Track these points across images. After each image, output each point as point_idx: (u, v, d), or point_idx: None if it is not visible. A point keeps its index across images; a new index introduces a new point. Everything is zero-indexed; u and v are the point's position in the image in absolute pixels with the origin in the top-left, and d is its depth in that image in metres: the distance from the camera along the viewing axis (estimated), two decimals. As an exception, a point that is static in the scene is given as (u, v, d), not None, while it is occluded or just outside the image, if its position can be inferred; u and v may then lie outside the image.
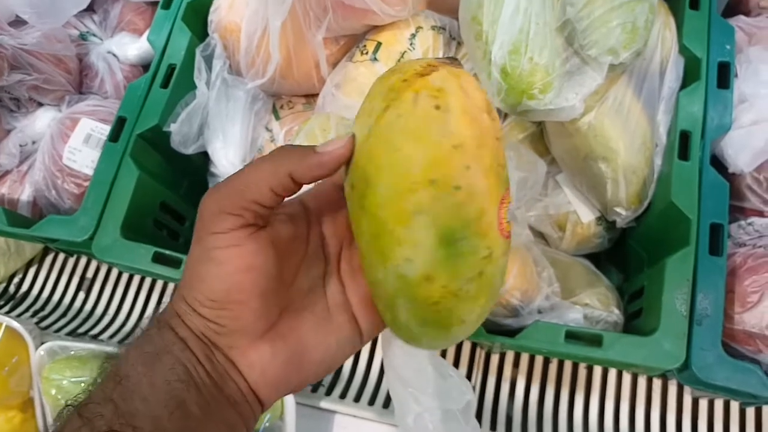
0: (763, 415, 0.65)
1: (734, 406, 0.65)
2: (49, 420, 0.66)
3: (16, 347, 0.67)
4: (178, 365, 0.29)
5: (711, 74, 0.57)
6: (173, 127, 0.62)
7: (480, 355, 0.70)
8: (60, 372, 0.63)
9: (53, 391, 0.63)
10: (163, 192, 0.66)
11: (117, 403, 0.28)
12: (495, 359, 0.69)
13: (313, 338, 0.32)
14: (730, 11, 0.68)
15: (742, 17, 0.67)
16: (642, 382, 0.67)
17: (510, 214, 0.30)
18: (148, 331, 0.31)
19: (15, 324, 0.67)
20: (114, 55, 0.75)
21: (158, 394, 0.29)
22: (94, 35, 0.77)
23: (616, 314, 0.58)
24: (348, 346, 0.34)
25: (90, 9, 0.78)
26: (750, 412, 0.65)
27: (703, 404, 0.66)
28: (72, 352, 0.65)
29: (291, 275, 0.33)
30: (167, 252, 0.57)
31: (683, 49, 0.58)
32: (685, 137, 0.56)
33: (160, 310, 0.32)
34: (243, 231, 0.29)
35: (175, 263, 0.57)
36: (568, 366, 0.69)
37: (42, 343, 0.66)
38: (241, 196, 0.29)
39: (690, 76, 0.58)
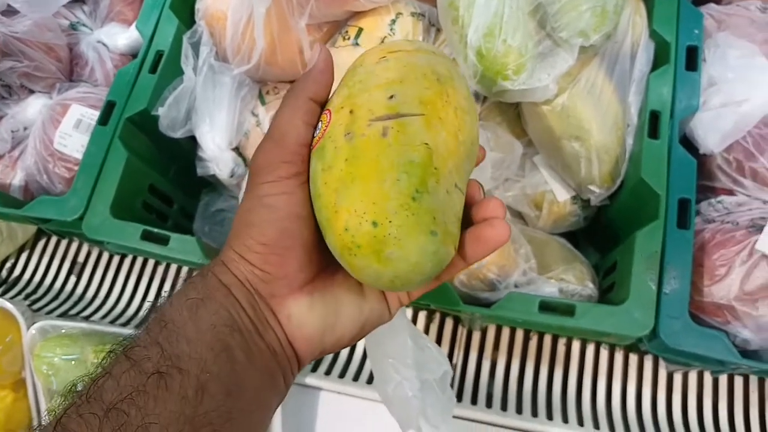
0: (735, 388, 0.67)
1: (707, 380, 0.68)
2: (41, 399, 0.68)
3: (8, 327, 0.68)
4: (222, 310, 0.31)
5: (680, 57, 0.60)
6: (161, 111, 0.64)
7: (462, 333, 0.72)
8: (51, 350, 0.65)
9: (44, 368, 0.65)
10: (152, 174, 0.68)
11: (163, 346, 0.29)
12: (476, 337, 0.71)
13: (347, 299, 0.34)
14: (701, -1, 0.70)
15: (712, 5, 0.69)
16: (619, 357, 0.70)
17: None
18: (192, 279, 0.33)
19: (8, 305, 0.68)
20: (104, 45, 0.77)
21: (203, 336, 0.30)
22: (84, 25, 0.78)
23: (590, 288, 0.60)
24: (376, 315, 0.35)
25: (80, 0, 0.79)
26: (722, 385, 0.67)
27: (678, 378, 0.68)
28: (63, 331, 0.66)
29: None
30: (155, 230, 0.59)
31: (653, 34, 0.61)
32: (654, 117, 0.58)
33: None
34: (294, 180, 0.32)
35: (163, 241, 0.58)
36: (547, 342, 0.71)
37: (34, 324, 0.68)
38: (285, 142, 0.32)
39: (660, 59, 0.61)
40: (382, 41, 0.61)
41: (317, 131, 0.33)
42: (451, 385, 0.51)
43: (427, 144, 0.30)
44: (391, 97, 0.31)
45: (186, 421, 0.27)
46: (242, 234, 0.32)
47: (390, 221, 0.29)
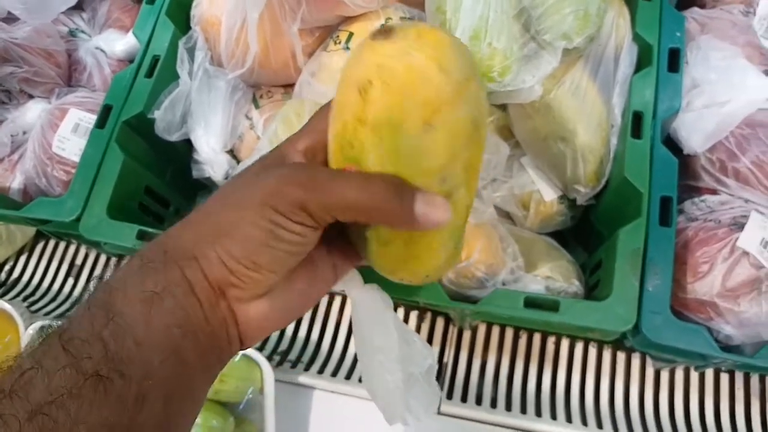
0: (721, 384, 0.68)
1: (694, 377, 0.69)
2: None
3: (7, 327, 0.70)
4: (179, 309, 0.29)
5: (662, 59, 0.61)
6: (157, 114, 0.65)
7: (453, 332, 0.73)
8: (49, 349, 0.66)
9: (42, 367, 0.66)
10: (148, 177, 0.69)
11: (107, 344, 0.26)
12: (467, 336, 0.73)
13: (305, 291, 0.35)
14: (685, 3, 0.72)
15: (696, 9, 0.71)
16: (607, 355, 0.71)
17: None
18: (151, 262, 0.30)
19: (6, 305, 0.70)
20: (102, 51, 0.78)
21: (154, 338, 0.28)
22: (83, 32, 0.80)
23: (576, 285, 0.61)
24: (323, 293, 0.37)
25: (79, 7, 0.81)
26: (708, 381, 0.68)
27: (665, 375, 0.69)
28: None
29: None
30: (151, 230, 0.60)
31: (636, 37, 0.62)
32: (637, 117, 0.59)
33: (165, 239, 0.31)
34: (312, 231, 0.31)
35: (159, 240, 0.60)
36: (536, 341, 0.72)
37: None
38: (327, 212, 0.30)
39: (643, 61, 0.62)
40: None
41: None
42: (438, 379, 0.52)
43: (468, 205, 0.35)
44: (444, 180, 0.32)
45: (121, 431, 0.26)
46: (233, 241, 0.30)
47: (438, 272, 0.39)
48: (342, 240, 0.36)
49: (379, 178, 0.30)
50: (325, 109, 0.34)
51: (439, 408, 0.67)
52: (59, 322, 0.28)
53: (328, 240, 0.34)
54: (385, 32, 0.29)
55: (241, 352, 0.65)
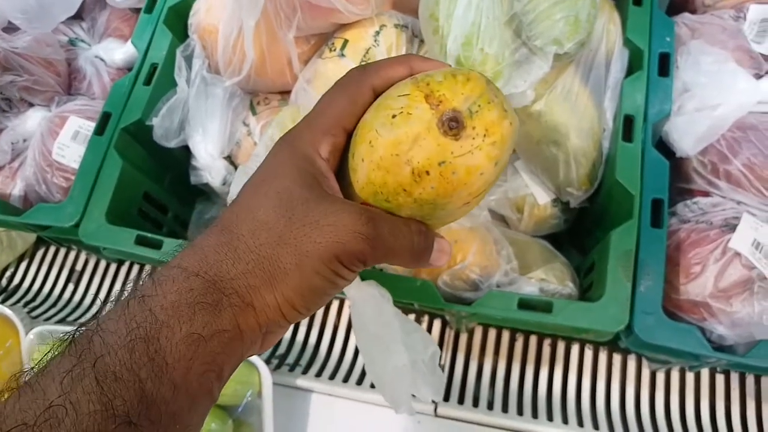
0: (716, 385, 0.68)
1: (690, 378, 0.69)
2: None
3: (8, 333, 0.70)
4: (222, 355, 0.28)
5: (652, 64, 0.62)
6: (155, 121, 0.66)
7: (449, 335, 0.73)
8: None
9: (42, 372, 0.66)
10: (147, 183, 0.70)
11: (144, 385, 0.25)
12: (464, 338, 0.73)
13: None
14: (676, 9, 0.73)
15: (687, 14, 0.72)
16: (603, 357, 0.71)
17: None
18: (203, 297, 0.27)
19: (7, 311, 0.70)
20: (101, 59, 0.79)
21: (191, 383, 0.26)
22: (83, 41, 0.81)
23: (570, 287, 0.62)
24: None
25: (78, 17, 0.82)
26: (704, 382, 0.69)
27: (660, 376, 0.69)
28: (61, 335, 0.68)
29: None
30: (149, 235, 0.61)
31: (627, 42, 0.63)
32: (628, 121, 0.60)
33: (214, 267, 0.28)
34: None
35: (157, 245, 0.61)
36: (533, 344, 0.72)
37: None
38: (382, 260, 0.31)
39: (634, 65, 0.63)
40: (367, 52, 0.64)
41: None
42: (441, 366, 0.52)
43: None
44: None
45: None
46: (296, 291, 0.29)
47: None
48: None
49: (420, 234, 0.32)
50: (338, 99, 0.32)
51: (436, 410, 0.68)
52: (84, 329, 0.26)
53: None
54: (454, 126, 0.28)
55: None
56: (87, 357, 0.24)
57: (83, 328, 0.27)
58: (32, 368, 0.25)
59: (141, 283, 0.28)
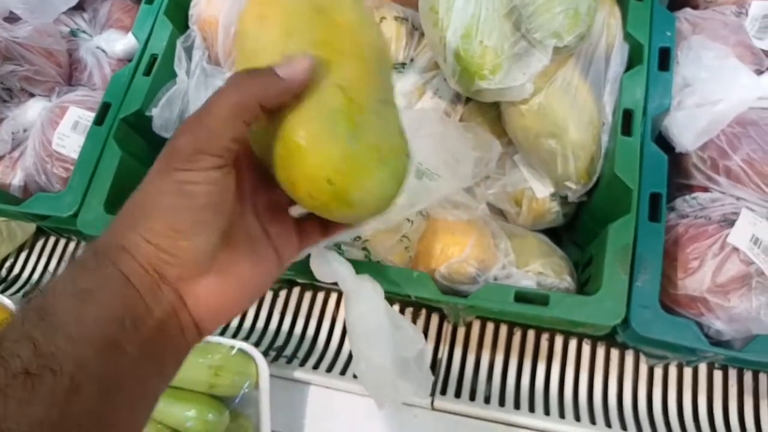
0: (714, 380, 0.68)
1: (687, 373, 0.69)
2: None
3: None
4: (115, 302, 0.29)
5: (652, 58, 0.62)
6: (154, 112, 0.66)
7: (447, 328, 0.73)
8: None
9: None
10: (146, 173, 0.70)
11: (37, 342, 0.26)
12: (461, 332, 0.73)
13: (249, 270, 0.34)
14: (677, 4, 0.72)
15: (688, 9, 0.71)
16: (600, 352, 0.71)
17: None
18: (84, 262, 0.30)
19: (6, 301, 0.71)
20: (102, 50, 0.79)
21: (87, 332, 0.27)
22: (84, 32, 0.81)
23: (568, 281, 0.62)
24: (273, 275, 0.37)
25: (80, 8, 0.83)
26: (702, 378, 0.69)
27: (658, 372, 0.69)
28: None
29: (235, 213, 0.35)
30: (147, 225, 0.61)
31: (627, 36, 0.63)
32: (628, 115, 0.60)
33: (95, 242, 0.31)
34: (219, 171, 0.30)
35: (155, 235, 0.60)
36: (530, 338, 0.72)
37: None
38: (219, 135, 0.30)
39: (634, 60, 0.63)
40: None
41: None
42: (432, 374, 0.52)
43: (338, 85, 0.33)
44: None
45: (51, 426, 0.26)
46: (151, 216, 0.30)
47: (341, 174, 0.32)
48: (278, 222, 0.37)
49: (231, 78, 0.32)
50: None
51: (432, 403, 0.68)
52: None
53: (259, 215, 0.36)
54: None
55: (237, 347, 0.67)
56: None
57: None
58: None
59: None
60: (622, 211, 0.57)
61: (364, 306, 0.48)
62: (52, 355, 0.26)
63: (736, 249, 0.56)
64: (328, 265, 0.48)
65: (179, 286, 0.31)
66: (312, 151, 0.32)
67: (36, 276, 0.84)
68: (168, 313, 0.31)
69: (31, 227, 0.84)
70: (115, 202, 0.64)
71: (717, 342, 0.57)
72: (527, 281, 0.60)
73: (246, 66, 0.33)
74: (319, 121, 0.32)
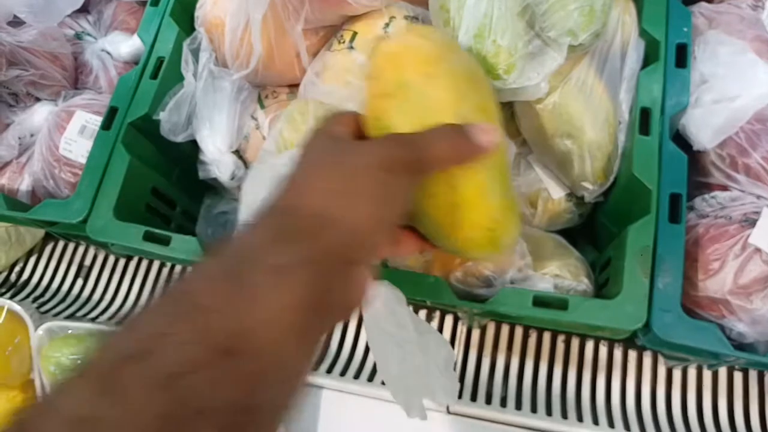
0: (734, 383, 0.67)
1: (707, 375, 0.68)
2: (49, 400, 0.69)
3: (17, 329, 0.70)
4: (311, 286, 0.30)
5: (669, 55, 0.61)
6: (162, 116, 0.65)
7: (461, 331, 0.73)
8: (58, 350, 0.66)
9: (52, 368, 0.66)
10: (155, 178, 0.69)
11: (240, 315, 0.26)
12: (476, 334, 0.72)
13: None
14: (693, -1, 0.71)
15: (704, 4, 0.70)
16: (618, 354, 0.70)
17: None
18: (286, 228, 0.30)
19: (16, 307, 0.70)
20: (108, 53, 0.79)
21: (284, 316, 0.28)
22: (89, 34, 0.80)
23: (585, 283, 0.60)
24: None
25: (84, 10, 0.82)
26: (722, 380, 0.67)
27: (677, 374, 0.68)
28: (70, 331, 0.68)
29: None
30: (157, 231, 0.60)
31: (643, 33, 0.62)
32: (645, 114, 0.59)
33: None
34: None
35: (165, 241, 0.60)
36: (546, 339, 0.71)
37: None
38: (425, 162, 0.35)
39: (650, 57, 0.61)
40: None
41: None
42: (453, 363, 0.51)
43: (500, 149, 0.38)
44: (464, 119, 0.38)
45: (241, 409, 0.26)
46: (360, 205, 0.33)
47: (498, 223, 0.40)
48: None
49: (446, 126, 0.36)
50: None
51: (448, 407, 0.67)
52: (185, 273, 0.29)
53: None
54: (380, 38, 0.39)
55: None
56: (187, 294, 0.27)
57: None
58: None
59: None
60: (641, 212, 0.56)
61: (386, 312, 0.47)
62: (250, 337, 0.26)
63: (758, 249, 0.55)
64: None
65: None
66: (479, 204, 0.39)
67: (45, 281, 0.83)
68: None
69: (40, 232, 0.84)
70: (124, 207, 0.63)
71: (739, 344, 0.56)
72: (544, 284, 0.59)
73: (408, 114, 0.37)
74: (486, 178, 0.38)
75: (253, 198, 0.55)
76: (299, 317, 0.27)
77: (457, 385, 0.49)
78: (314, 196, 0.32)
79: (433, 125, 0.36)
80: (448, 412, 0.67)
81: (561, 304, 0.53)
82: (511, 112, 0.66)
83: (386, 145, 0.35)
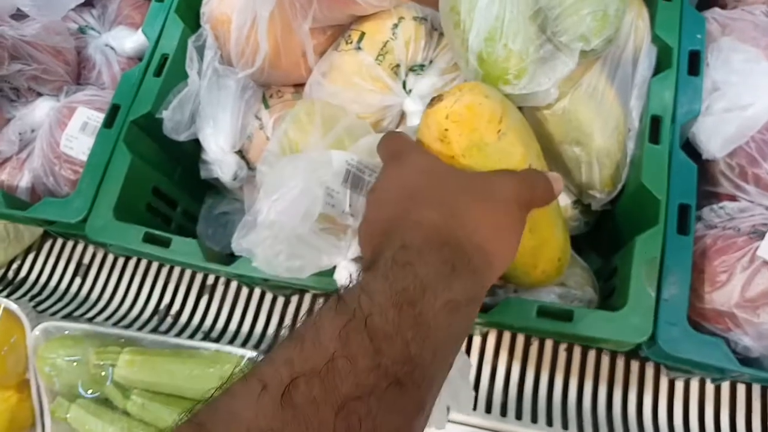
0: (737, 396, 0.66)
1: (709, 387, 0.67)
2: (44, 400, 0.68)
3: (13, 328, 0.69)
4: (472, 318, 0.34)
5: (682, 62, 0.60)
6: (165, 114, 0.64)
7: (463, 337, 0.72)
8: (54, 351, 0.65)
9: (47, 369, 0.65)
10: (156, 177, 0.68)
11: (410, 346, 0.27)
12: (477, 342, 0.71)
13: None
14: (706, 4, 0.70)
15: (717, 9, 0.69)
16: (620, 364, 0.69)
17: None
18: (457, 263, 0.32)
19: (12, 306, 0.69)
20: (111, 48, 0.78)
21: (448, 346, 0.31)
22: (93, 29, 0.79)
23: (590, 293, 0.60)
24: None
25: (89, 4, 0.81)
26: (725, 393, 0.67)
27: (679, 385, 0.67)
28: (66, 332, 0.67)
29: None
30: (157, 232, 0.59)
31: (655, 39, 0.61)
32: (656, 122, 0.58)
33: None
34: None
35: (165, 243, 0.59)
36: (548, 348, 0.71)
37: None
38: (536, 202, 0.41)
39: (662, 63, 0.61)
40: (384, 45, 0.62)
41: None
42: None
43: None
44: (531, 166, 0.46)
45: None
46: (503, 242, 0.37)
47: (564, 253, 0.52)
48: None
49: (539, 172, 0.43)
50: None
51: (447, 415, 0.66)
52: (348, 289, 0.29)
53: None
54: (436, 98, 0.45)
55: (248, 357, 0.65)
56: (358, 314, 0.27)
57: (348, 288, 0.29)
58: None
59: (392, 251, 0.31)
60: (649, 222, 0.55)
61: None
62: (418, 366, 0.27)
63: (766, 262, 0.54)
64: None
65: None
66: (552, 241, 0.50)
67: (43, 279, 0.82)
68: None
69: (39, 229, 0.83)
70: (124, 207, 0.62)
71: (745, 358, 0.55)
72: (549, 293, 0.58)
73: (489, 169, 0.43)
74: (554, 217, 0.49)
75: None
76: (457, 348, 0.30)
77: (473, 395, 0.49)
78: (476, 230, 0.34)
79: None
80: (447, 420, 0.66)
81: (565, 315, 0.53)
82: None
83: (516, 181, 0.38)
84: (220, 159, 0.67)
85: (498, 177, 0.39)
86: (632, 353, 0.69)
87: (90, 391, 0.65)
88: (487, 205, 0.36)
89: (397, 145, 0.43)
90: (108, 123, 0.64)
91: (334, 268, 0.48)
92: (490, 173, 0.40)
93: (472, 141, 0.43)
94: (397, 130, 0.65)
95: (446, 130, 0.43)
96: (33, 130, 0.73)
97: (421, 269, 0.29)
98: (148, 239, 0.59)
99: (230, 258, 0.58)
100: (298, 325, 0.28)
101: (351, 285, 0.29)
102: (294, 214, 0.42)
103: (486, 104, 0.44)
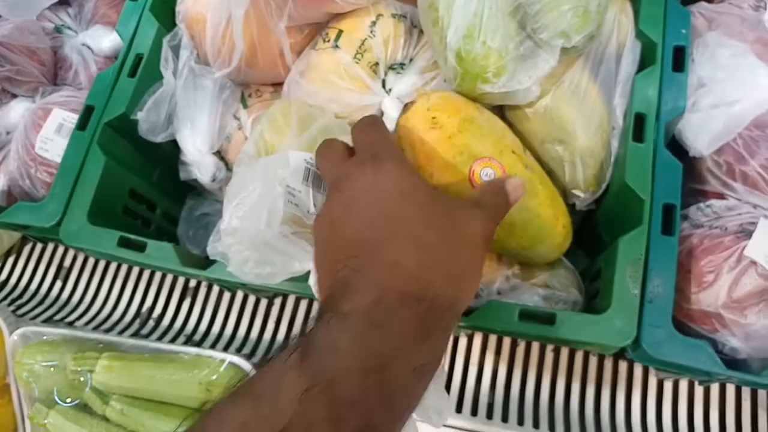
0: (727, 396, 0.66)
1: (698, 388, 0.66)
2: (24, 405, 0.68)
3: (-9, 333, 0.68)
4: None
5: (666, 58, 0.58)
6: (140, 115, 0.63)
7: (448, 339, 0.71)
8: (32, 357, 0.64)
9: (25, 375, 0.64)
10: (133, 179, 0.67)
11: (372, 416, 0.27)
12: (463, 342, 0.70)
13: None
14: (692, -2, 0.69)
15: (703, 4, 0.67)
16: (608, 364, 0.68)
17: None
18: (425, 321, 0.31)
19: (-10, 310, 0.68)
20: (88, 48, 0.76)
21: (412, 407, 0.31)
22: (69, 28, 0.78)
23: (574, 295, 0.59)
24: None
25: (65, 2, 0.79)
26: (714, 393, 0.66)
27: (668, 386, 0.67)
28: (44, 337, 0.66)
29: None
30: (132, 237, 0.58)
31: (640, 34, 0.59)
32: (640, 119, 0.57)
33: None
34: None
35: (140, 247, 0.58)
36: (535, 349, 0.70)
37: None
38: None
39: (646, 60, 0.59)
40: (362, 43, 0.60)
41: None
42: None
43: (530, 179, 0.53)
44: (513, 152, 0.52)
45: None
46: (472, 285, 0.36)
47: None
48: None
49: (495, 188, 0.42)
50: None
51: (432, 419, 0.65)
52: (311, 335, 0.28)
53: None
54: (408, 103, 0.52)
55: (228, 360, 0.64)
56: (321, 379, 0.26)
57: (310, 332, 0.28)
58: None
59: (365, 302, 0.29)
60: (633, 222, 0.54)
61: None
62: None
63: (753, 262, 0.53)
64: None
65: None
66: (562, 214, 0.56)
67: (24, 282, 0.81)
68: None
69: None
70: (99, 210, 0.61)
71: (732, 360, 0.54)
72: (533, 295, 0.57)
73: (485, 138, 0.50)
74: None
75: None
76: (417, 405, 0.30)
77: (451, 404, 0.48)
78: (451, 281, 0.33)
79: (505, 143, 0.51)
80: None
81: (548, 319, 0.52)
82: (500, 115, 0.64)
83: (483, 219, 0.37)
84: (198, 160, 0.66)
85: (470, 212, 0.37)
86: (619, 353, 0.67)
87: (69, 400, 0.64)
88: (461, 250, 0.34)
89: (375, 142, 0.41)
90: (81, 125, 0.63)
91: (308, 273, 0.46)
92: (461, 205, 0.38)
93: (461, 117, 0.48)
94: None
95: (434, 117, 0.48)
96: (8, 133, 0.72)
97: (394, 332, 0.28)
98: (123, 243, 0.58)
99: (208, 262, 0.57)
100: (258, 371, 0.27)
101: (319, 323, 0.28)
102: (257, 218, 0.41)
103: (454, 94, 0.51)
